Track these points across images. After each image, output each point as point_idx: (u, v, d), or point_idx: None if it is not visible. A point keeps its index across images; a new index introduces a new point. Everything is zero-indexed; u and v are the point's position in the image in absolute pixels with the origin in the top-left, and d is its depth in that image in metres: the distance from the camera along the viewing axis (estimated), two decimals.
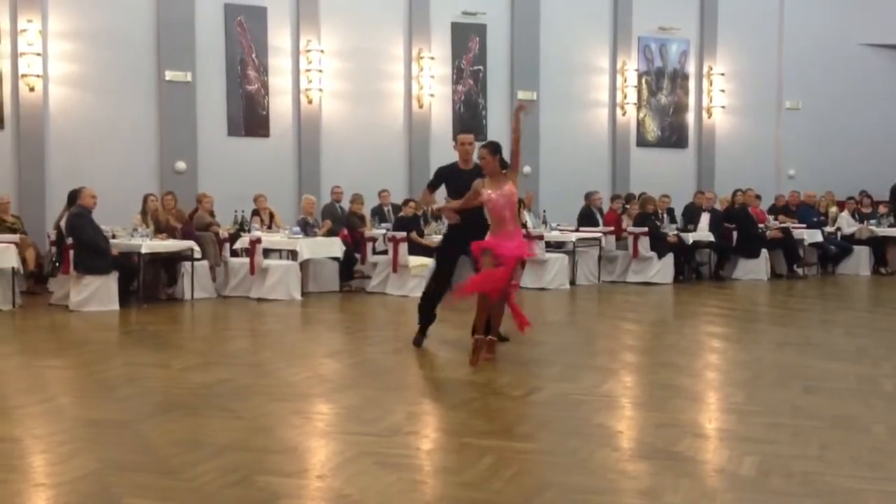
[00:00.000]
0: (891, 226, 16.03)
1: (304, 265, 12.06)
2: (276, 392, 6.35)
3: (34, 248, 12.12)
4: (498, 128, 16.02)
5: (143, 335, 9.24)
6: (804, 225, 15.69)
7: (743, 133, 18.69)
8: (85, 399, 6.27)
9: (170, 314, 10.56)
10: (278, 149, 14.93)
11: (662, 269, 13.84)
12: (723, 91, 18.41)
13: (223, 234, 12.41)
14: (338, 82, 15.32)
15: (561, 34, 16.93)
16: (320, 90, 15.08)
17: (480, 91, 16.46)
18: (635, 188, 16.18)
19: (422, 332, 8.16)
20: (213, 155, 14.39)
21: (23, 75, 13.12)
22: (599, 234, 14.01)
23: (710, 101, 18.45)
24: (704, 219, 14.85)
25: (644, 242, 13.84)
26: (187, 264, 11.52)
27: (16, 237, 11.46)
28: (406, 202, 13.18)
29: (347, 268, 12.81)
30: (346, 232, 13.16)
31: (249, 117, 14.75)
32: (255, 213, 13.27)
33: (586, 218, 14.81)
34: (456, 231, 7.90)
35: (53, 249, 11.65)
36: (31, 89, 13.18)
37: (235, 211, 13.17)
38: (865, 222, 16.04)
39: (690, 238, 14.29)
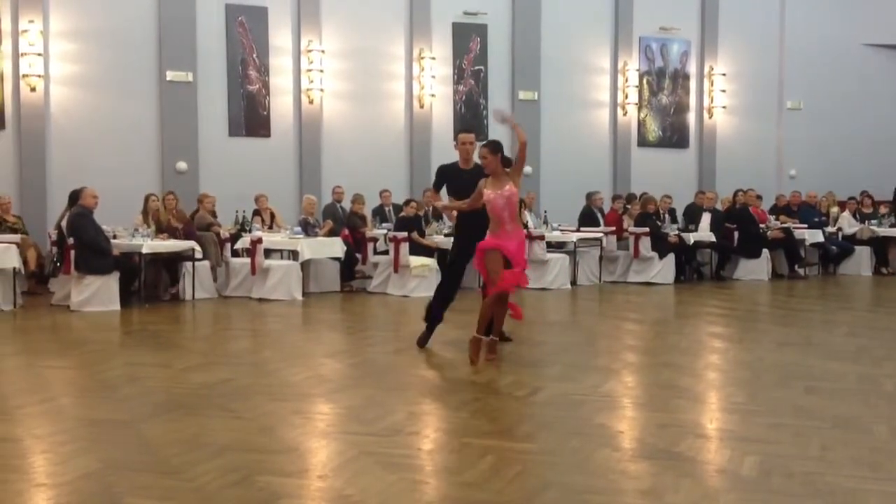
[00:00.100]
0: (892, 226, 16.02)
1: (306, 265, 12.06)
2: (277, 392, 6.35)
3: (35, 248, 12.13)
4: (499, 128, 15.98)
5: (144, 335, 9.25)
6: (805, 225, 15.69)
7: (744, 133, 18.69)
8: (86, 399, 6.28)
9: (171, 314, 10.56)
10: (279, 149, 14.94)
11: (663, 270, 13.84)
12: (724, 91, 18.41)
13: (224, 234, 12.41)
14: (339, 82, 15.33)
15: (562, 34, 16.93)
16: (321, 90, 15.09)
17: (481, 91, 16.46)
18: (636, 188, 16.18)
19: (429, 332, 8.11)
20: (214, 155, 14.40)
21: (24, 75, 13.14)
22: (600, 235, 14.00)
23: (712, 101, 18.45)
24: (705, 219, 14.85)
25: (645, 242, 13.84)
26: (188, 264, 11.52)
27: (17, 237, 11.48)
28: (407, 202, 13.17)
29: (348, 268, 12.82)
30: (347, 232, 13.17)
31: (250, 117, 14.76)
32: (257, 213, 13.27)
33: (587, 218, 14.81)
34: (464, 232, 7.89)
35: (55, 249, 11.66)
36: (33, 89, 13.20)
37: (236, 211, 13.17)
38: (867, 222, 16.03)
39: (691, 238, 14.28)
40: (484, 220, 7.47)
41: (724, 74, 18.36)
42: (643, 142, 17.97)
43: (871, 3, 19.11)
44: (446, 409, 6.01)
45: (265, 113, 14.86)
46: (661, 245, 13.86)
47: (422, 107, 15.85)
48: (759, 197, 15.53)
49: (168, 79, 14.01)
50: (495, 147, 7.43)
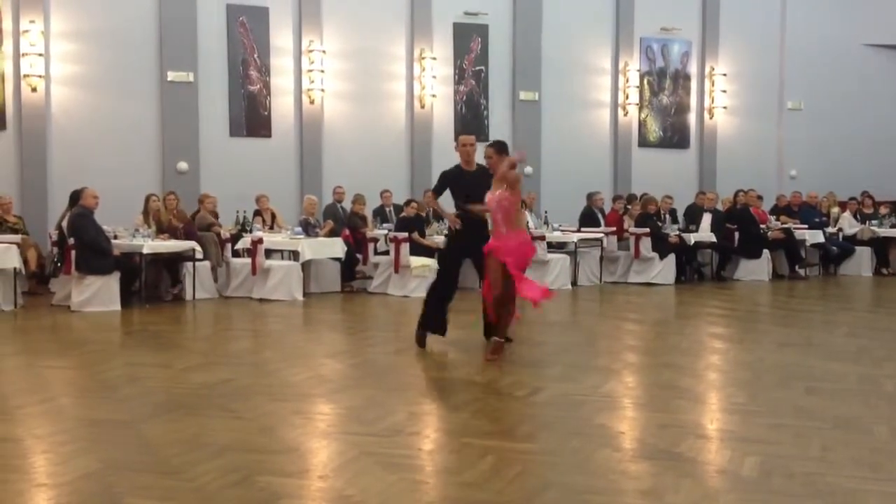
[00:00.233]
0: (892, 226, 16.02)
1: (306, 266, 12.06)
2: (278, 392, 6.35)
3: (36, 248, 12.13)
4: (499, 128, 16.02)
5: (145, 335, 9.25)
6: (806, 225, 15.68)
7: (745, 133, 18.68)
8: (86, 399, 6.28)
9: (171, 314, 10.57)
10: (280, 149, 14.94)
11: (664, 270, 13.84)
12: (724, 91, 18.40)
13: (225, 234, 12.40)
14: (340, 83, 15.33)
15: (563, 34, 16.92)
16: (322, 90, 15.08)
17: (482, 91, 16.46)
18: (637, 189, 16.17)
19: (424, 329, 8.09)
20: (215, 155, 14.40)
21: (25, 76, 13.14)
22: (601, 235, 14.00)
23: (712, 101, 18.44)
24: (706, 219, 14.84)
25: (646, 243, 13.83)
26: (189, 265, 11.52)
27: (18, 238, 11.47)
28: (408, 202, 13.18)
29: (349, 268, 12.82)
30: (347, 232, 13.17)
31: (251, 118, 14.76)
32: (257, 213, 13.27)
33: (588, 218, 14.81)
34: (458, 234, 7.89)
35: (55, 250, 11.66)
36: (34, 90, 13.20)
37: (237, 211, 13.17)
38: (867, 223, 16.02)
39: (692, 238, 14.27)
40: (477, 223, 7.49)
41: (724, 75, 18.35)
42: (644, 142, 17.96)
43: (871, 3, 19.10)
44: (447, 410, 6.01)
45: (266, 113, 14.86)
46: (662, 245, 13.86)
47: (422, 107, 15.85)
48: (759, 197, 15.53)
49: (169, 79, 14.01)
50: (500, 147, 7.43)
